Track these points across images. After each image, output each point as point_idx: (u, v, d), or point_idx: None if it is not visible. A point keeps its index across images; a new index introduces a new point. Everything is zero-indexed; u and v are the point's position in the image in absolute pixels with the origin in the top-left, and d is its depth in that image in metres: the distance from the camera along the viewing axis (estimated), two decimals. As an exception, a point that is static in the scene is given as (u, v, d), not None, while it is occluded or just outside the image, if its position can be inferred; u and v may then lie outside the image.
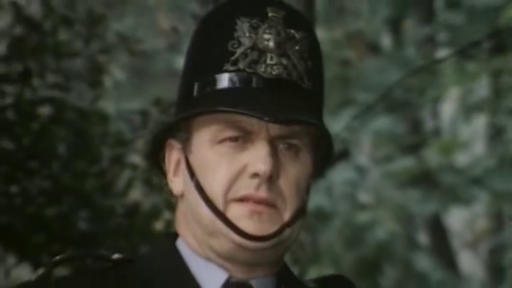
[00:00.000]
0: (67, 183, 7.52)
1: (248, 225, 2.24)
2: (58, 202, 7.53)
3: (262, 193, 2.22)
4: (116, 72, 9.74)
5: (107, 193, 7.80)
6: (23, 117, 7.60)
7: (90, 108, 8.14)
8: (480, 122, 12.66)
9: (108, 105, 8.75)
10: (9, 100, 7.56)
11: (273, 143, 2.24)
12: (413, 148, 11.96)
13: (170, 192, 2.40)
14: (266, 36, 2.32)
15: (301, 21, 2.46)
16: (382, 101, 11.42)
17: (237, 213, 2.25)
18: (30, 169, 7.49)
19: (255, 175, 2.20)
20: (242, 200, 2.24)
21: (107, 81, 8.85)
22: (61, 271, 2.39)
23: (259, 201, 2.24)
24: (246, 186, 2.23)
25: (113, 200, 7.78)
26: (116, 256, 2.40)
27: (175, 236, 2.39)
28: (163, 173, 2.40)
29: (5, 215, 7.38)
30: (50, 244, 7.35)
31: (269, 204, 2.24)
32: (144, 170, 7.70)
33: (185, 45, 2.52)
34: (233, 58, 2.29)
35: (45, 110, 7.69)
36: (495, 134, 12.43)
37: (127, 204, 7.75)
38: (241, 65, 2.29)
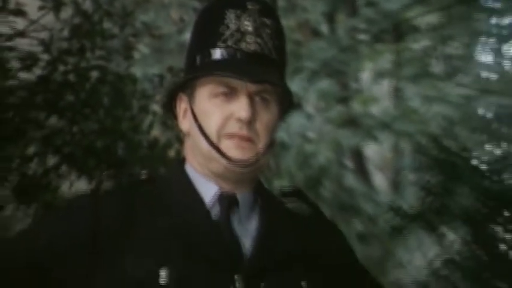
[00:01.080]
0: (109, 124, 7.57)
1: (235, 154, 2.54)
2: (104, 138, 7.51)
3: (244, 132, 2.54)
4: (142, 49, 9.97)
5: (136, 132, 7.77)
6: (80, 79, 7.56)
7: (125, 73, 8.09)
8: (386, 84, 12.74)
9: (136, 71, 8.72)
10: (70, 67, 7.51)
11: (251, 97, 2.56)
12: (344, 101, 12.05)
13: (180, 131, 2.72)
14: (246, 22, 2.59)
15: (271, 12, 2.68)
16: (323, 69, 11.54)
17: (227, 146, 2.55)
18: (85, 115, 7.47)
19: (239, 119, 2.54)
20: (230, 136, 2.55)
21: (136, 55, 8.99)
22: (106, 184, 2.66)
23: (242, 138, 2.54)
24: (233, 127, 2.55)
25: (140, 136, 7.73)
26: (143, 175, 2.71)
27: (183, 161, 2.70)
28: (174, 117, 2.73)
29: (69, 146, 7.33)
30: (99, 166, 7.29)
31: (249, 140, 2.55)
32: (161, 115, 7.73)
33: (189, 30, 2.84)
34: (223, 38, 2.57)
35: (94, 74, 7.65)
36: (397, 92, 12.49)
37: (149, 139, 7.75)
38: (229, 43, 2.57)
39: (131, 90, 7.90)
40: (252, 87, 2.53)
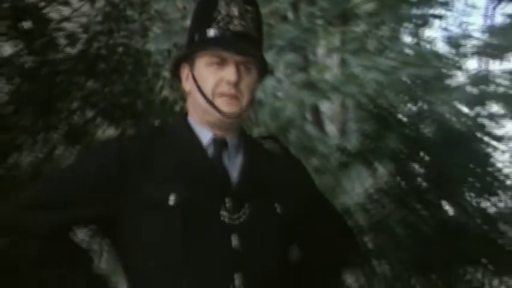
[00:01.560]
0: (131, 87, 7.51)
1: (225, 109, 2.54)
2: (127, 96, 7.43)
3: (232, 91, 2.54)
4: (155, 30, 9.81)
5: (151, 92, 7.71)
6: (109, 52, 7.49)
7: (142, 48, 8.03)
8: (335, 57, 12.57)
9: (151, 47, 8.74)
10: (102, 44, 7.47)
11: (237, 65, 2.56)
12: (304, 69, 11.85)
13: (183, 91, 2.70)
14: (234, 9, 2.54)
15: (252, 2, 2.63)
16: (288, 46, 11.39)
17: (219, 102, 2.54)
18: (113, 79, 7.41)
19: (228, 82, 2.54)
20: (221, 95, 2.54)
21: (150, 35, 8.93)
22: (129, 131, 2.66)
23: (230, 96, 2.52)
24: (223, 88, 2.55)
25: (154, 96, 7.67)
26: (156, 124, 2.55)
27: (186, 114, 2.69)
28: (179, 80, 2.69)
29: (102, 103, 7.42)
30: (124, 117, 7.28)
31: (235, 97, 2.55)
32: (170, 80, 7.66)
33: (190, 16, 2.79)
34: (216, 20, 2.52)
35: (120, 49, 7.55)
36: (343, 63, 12.32)
37: (161, 98, 7.65)
38: (220, 24, 2.52)
39: (147, 61, 7.89)
40: (238, 58, 2.52)
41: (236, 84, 2.53)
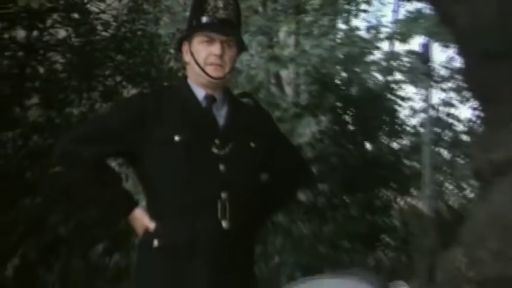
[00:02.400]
0: (148, 59, 7.37)
1: (213, 74, 2.40)
2: (145, 66, 7.29)
3: (218, 61, 2.40)
4: (165, 19, 9.58)
5: (161, 63, 7.51)
6: (132, 35, 7.36)
7: (155, 32, 7.89)
8: (292, 38, 12.47)
9: (161, 31, 8.54)
10: (127, 29, 7.33)
11: (222, 43, 2.41)
12: (270, 47, 11.72)
13: (184, 61, 2.53)
14: (219, 2, 2.41)
15: None
16: (259, 30, 11.31)
17: (209, 69, 2.40)
18: (135, 54, 7.27)
19: (215, 55, 2.40)
20: (210, 64, 2.40)
21: (161, 23, 8.88)
22: (146, 90, 2.31)
23: (217, 65, 2.39)
24: (212, 59, 2.40)
25: (163, 66, 7.46)
26: (165, 85, 2.47)
27: (185, 78, 2.50)
28: (181, 53, 2.50)
29: (128, 70, 7.25)
30: (143, 81, 7.14)
31: (220, 66, 2.41)
32: (174, 54, 7.33)
33: (189, 9, 2.69)
34: (207, 10, 2.39)
35: (139, 33, 7.40)
36: (297, 42, 12.22)
37: (168, 67, 7.44)
38: (210, 13, 2.39)
39: (158, 41, 7.77)
40: (222, 38, 2.40)
41: (221, 56, 2.40)
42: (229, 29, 2.45)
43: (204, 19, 2.42)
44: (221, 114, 2.42)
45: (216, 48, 2.39)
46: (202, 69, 2.39)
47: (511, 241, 2.87)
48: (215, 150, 2.33)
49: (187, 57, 2.47)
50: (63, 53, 7.14)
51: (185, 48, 2.47)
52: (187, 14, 2.65)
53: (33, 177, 6.81)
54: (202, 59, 2.40)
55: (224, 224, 2.28)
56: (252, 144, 2.41)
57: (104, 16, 7.30)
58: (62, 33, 7.19)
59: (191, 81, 2.46)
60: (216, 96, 2.45)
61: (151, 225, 2.32)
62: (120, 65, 7.23)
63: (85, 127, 2.79)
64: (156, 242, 2.28)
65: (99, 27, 7.21)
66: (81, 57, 6.98)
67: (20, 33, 7.07)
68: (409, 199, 12.52)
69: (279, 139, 2.59)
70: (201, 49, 2.41)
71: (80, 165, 2.35)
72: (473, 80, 3.44)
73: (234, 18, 2.48)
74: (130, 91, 7.08)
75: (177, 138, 2.30)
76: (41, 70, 7.03)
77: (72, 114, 7.14)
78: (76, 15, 7.10)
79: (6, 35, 6.82)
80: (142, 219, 2.35)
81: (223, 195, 2.29)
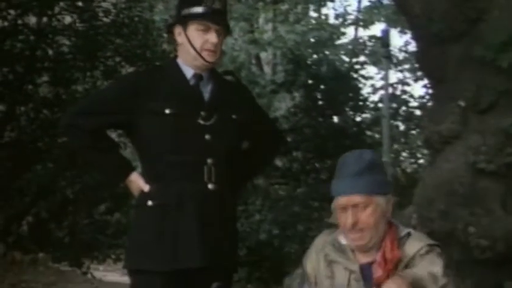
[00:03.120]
0: (143, 42, 7.33)
1: (208, 59, 2.27)
2: (141, 48, 7.25)
3: (213, 48, 2.26)
4: (159, 7, 9.41)
5: (155, 45, 7.47)
6: (129, 20, 7.32)
7: (150, 18, 7.87)
8: (270, 24, 12.39)
9: (156, 17, 8.52)
10: (125, 16, 7.28)
11: (216, 31, 2.28)
12: (251, 32, 11.62)
13: (175, 43, 2.40)
14: None
15: None
16: (241, 17, 11.25)
17: (205, 55, 2.26)
18: (131, 36, 7.24)
19: (211, 43, 2.27)
20: (206, 50, 2.26)
21: (155, 10, 8.73)
22: (141, 68, 2.25)
23: (211, 51, 2.24)
24: (208, 45, 2.25)
25: (157, 48, 7.43)
26: (158, 64, 2.37)
27: (175, 57, 2.37)
28: (172, 34, 2.35)
29: (125, 51, 7.18)
30: (139, 61, 7.07)
31: (214, 51, 2.28)
32: (167, 38, 7.05)
33: None
34: (205, 0, 2.27)
35: (136, 19, 7.36)
36: (275, 28, 12.15)
37: (161, 49, 7.41)
38: (207, 3, 2.27)
39: (153, 26, 7.71)
40: (217, 27, 2.31)
41: (216, 44, 2.30)
42: (223, 19, 2.36)
43: (202, 9, 2.30)
44: (207, 90, 2.34)
45: (213, 37, 2.29)
46: (199, 54, 2.29)
47: (455, 202, 2.92)
48: (201, 122, 2.28)
49: (180, 39, 2.34)
50: (69, 37, 7.10)
51: (178, 31, 2.34)
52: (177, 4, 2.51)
53: (44, 146, 6.85)
54: (199, 45, 2.29)
55: (210, 186, 2.25)
56: (234, 116, 2.34)
57: (104, 4, 7.24)
58: (68, 19, 7.14)
59: (181, 61, 2.36)
60: (203, 75, 2.35)
61: (146, 187, 2.30)
62: (119, 48, 7.16)
63: (86, 101, 2.73)
64: (150, 202, 2.25)
65: (101, 14, 7.14)
66: (85, 41, 6.92)
67: (32, 20, 7.02)
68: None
69: (256, 111, 2.51)
70: (197, 36, 2.30)
71: (80, 134, 2.30)
72: (425, 61, 3.46)
73: (223, 8, 2.39)
74: (128, 70, 6.99)
75: (167, 111, 2.24)
76: (50, 52, 7.00)
77: (77, 90, 7.13)
78: (80, 3, 7.03)
79: (19, 21, 6.77)
80: (137, 182, 2.32)
81: (209, 160, 2.26)
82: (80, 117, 2.33)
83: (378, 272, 1.89)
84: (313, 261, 1.99)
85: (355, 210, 1.90)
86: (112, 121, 2.37)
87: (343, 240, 1.96)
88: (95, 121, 2.31)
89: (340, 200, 1.92)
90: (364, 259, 1.93)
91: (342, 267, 1.93)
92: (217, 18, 2.33)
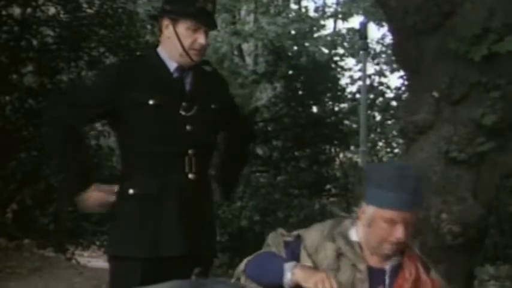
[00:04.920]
0: (127, 33, 7.27)
1: (195, 59, 2.26)
2: (125, 39, 7.18)
3: (201, 48, 2.23)
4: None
5: (138, 36, 7.40)
6: (113, 11, 7.22)
7: (134, 10, 7.77)
8: (252, 16, 12.34)
9: (140, 10, 8.34)
10: (109, 7, 7.17)
11: (205, 31, 2.24)
12: (233, 23, 11.55)
13: (160, 33, 2.34)
14: None
15: None
16: (223, 8, 11.17)
17: (192, 54, 2.24)
18: (116, 27, 7.15)
19: (200, 44, 2.22)
20: (194, 49, 2.23)
21: (139, 1, 8.60)
22: (125, 58, 2.22)
23: (199, 50, 2.23)
24: (197, 46, 2.23)
25: (141, 39, 7.38)
26: (139, 54, 2.32)
27: (156, 47, 2.33)
28: (159, 23, 2.31)
29: (110, 43, 7.06)
30: (123, 51, 6.93)
31: (202, 51, 2.27)
32: (150, 29, 7.35)
33: None
34: (199, 0, 2.23)
35: (120, 10, 7.27)
36: (256, 20, 12.09)
37: (145, 40, 7.35)
38: (201, 4, 2.23)
39: (136, 18, 7.60)
40: (206, 27, 2.26)
41: (203, 45, 2.28)
42: (212, 21, 2.35)
43: (194, 9, 2.26)
44: (188, 81, 2.31)
45: (202, 38, 2.26)
46: (187, 53, 2.26)
47: (429, 190, 2.94)
48: (183, 112, 2.26)
49: (167, 32, 2.29)
50: (53, 28, 7.00)
51: (166, 23, 2.29)
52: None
53: (28, 135, 6.77)
54: (188, 44, 2.25)
55: (190, 176, 2.25)
56: (213, 106, 2.32)
57: (91, -5, 7.17)
58: (52, 10, 7.03)
59: (164, 53, 2.32)
60: (185, 68, 2.32)
61: (115, 187, 2.27)
62: (103, 38, 7.06)
63: (71, 94, 2.64)
64: (131, 191, 2.24)
65: (85, 5, 7.03)
66: (69, 31, 6.84)
67: (16, 10, 6.90)
68: (348, 154, 12.72)
69: (231, 101, 2.52)
70: (187, 35, 2.26)
71: (59, 129, 2.25)
72: (401, 53, 3.46)
73: (211, 9, 2.36)
74: (112, 60, 6.88)
75: (151, 101, 2.21)
76: (35, 42, 6.88)
77: (62, 80, 7.02)
78: (64, -5, 6.96)
79: (4, 12, 6.66)
80: (100, 192, 2.27)
81: (190, 151, 2.26)
82: (63, 109, 2.28)
83: None
84: (316, 241, 1.87)
85: (405, 226, 1.78)
86: (98, 112, 2.32)
87: (354, 237, 1.86)
88: (77, 113, 2.27)
89: (393, 214, 1.77)
90: (372, 261, 1.84)
91: (349, 263, 1.82)
92: (209, 20, 2.30)
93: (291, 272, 1.73)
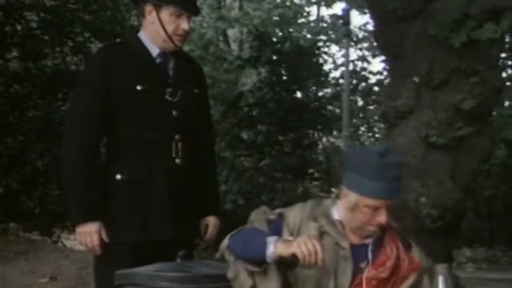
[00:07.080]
0: (112, 18, 7.17)
1: (178, 44, 2.24)
2: (110, 24, 7.11)
3: (184, 34, 2.22)
4: None
5: (124, 20, 7.33)
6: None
7: None
8: (237, 2, 12.25)
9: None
10: None
11: (188, 17, 2.23)
12: (219, 9, 11.45)
13: (142, 18, 2.29)
14: None
15: None
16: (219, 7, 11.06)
17: (176, 39, 2.22)
18: (101, 13, 7.09)
19: (184, 30, 2.22)
20: (178, 35, 2.22)
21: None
22: (111, 43, 2.19)
23: (183, 37, 2.22)
24: (180, 31, 2.21)
25: (126, 23, 7.30)
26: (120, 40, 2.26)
27: (137, 32, 2.32)
28: (141, 8, 2.26)
29: (95, 28, 6.94)
30: (108, 36, 6.80)
31: (185, 37, 2.25)
32: (135, 14, 6.88)
33: None
34: None
35: None
36: (241, 7, 12.00)
37: (129, 24, 7.18)
38: None
39: (121, 2, 7.43)
40: (188, 13, 2.23)
41: (187, 31, 2.26)
42: (196, 7, 2.34)
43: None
44: (170, 66, 2.29)
45: (185, 24, 2.23)
46: (170, 38, 2.23)
47: (408, 174, 2.94)
48: (168, 98, 2.25)
49: (150, 18, 2.25)
50: (37, 13, 6.88)
51: (149, 9, 2.25)
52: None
53: (14, 119, 6.69)
54: (172, 30, 2.23)
55: (177, 161, 2.23)
56: (196, 90, 2.32)
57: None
58: (35, -4, 6.95)
59: (146, 38, 2.28)
60: (168, 53, 2.30)
61: (104, 235, 2.18)
62: (88, 23, 6.98)
63: (76, 116, 2.34)
64: (118, 176, 2.22)
65: (70, -2, 6.96)
66: (54, 16, 6.74)
67: (0, -4, 6.85)
68: (331, 138, 12.78)
69: (206, 94, 2.49)
70: (170, 21, 2.23)
71: (85, 154, 2.18)
72: (382, 39, 3.45)
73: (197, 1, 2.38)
74: (97, 46, 6.84)
75: (139, 87, 2.19)
76: (19, 28, 6.80)
77: (47, 65, 6.95)
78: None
79: (-13, -2, 6.60)
80: (98, 233, 2.17)
81: (176, 136, 2.25)
82: (80, 133, 2.20)
83: (383, 272, 1.82)
84: (298, 220, 1.87)
85: (387, 210, 1.81)
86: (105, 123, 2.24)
87: (335, 216, 1.87)
88: (94, 132, 2.20)
89: (377, 202, 1.80)
90: (354, 239, 1.86)
91: (332, 241, 1.84)
92: (191, 6, 2.28)
93: (273, 245, 1.74)
